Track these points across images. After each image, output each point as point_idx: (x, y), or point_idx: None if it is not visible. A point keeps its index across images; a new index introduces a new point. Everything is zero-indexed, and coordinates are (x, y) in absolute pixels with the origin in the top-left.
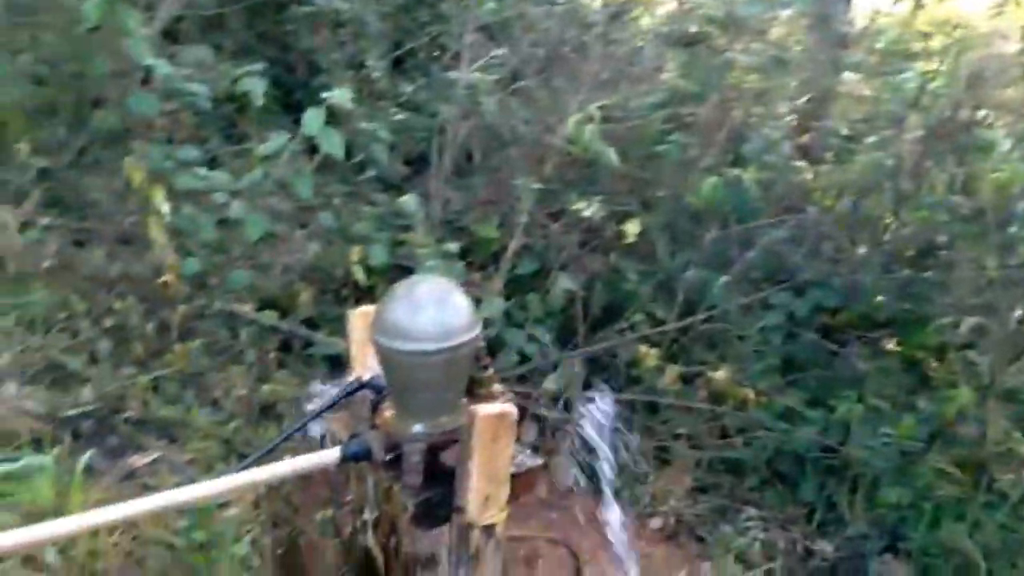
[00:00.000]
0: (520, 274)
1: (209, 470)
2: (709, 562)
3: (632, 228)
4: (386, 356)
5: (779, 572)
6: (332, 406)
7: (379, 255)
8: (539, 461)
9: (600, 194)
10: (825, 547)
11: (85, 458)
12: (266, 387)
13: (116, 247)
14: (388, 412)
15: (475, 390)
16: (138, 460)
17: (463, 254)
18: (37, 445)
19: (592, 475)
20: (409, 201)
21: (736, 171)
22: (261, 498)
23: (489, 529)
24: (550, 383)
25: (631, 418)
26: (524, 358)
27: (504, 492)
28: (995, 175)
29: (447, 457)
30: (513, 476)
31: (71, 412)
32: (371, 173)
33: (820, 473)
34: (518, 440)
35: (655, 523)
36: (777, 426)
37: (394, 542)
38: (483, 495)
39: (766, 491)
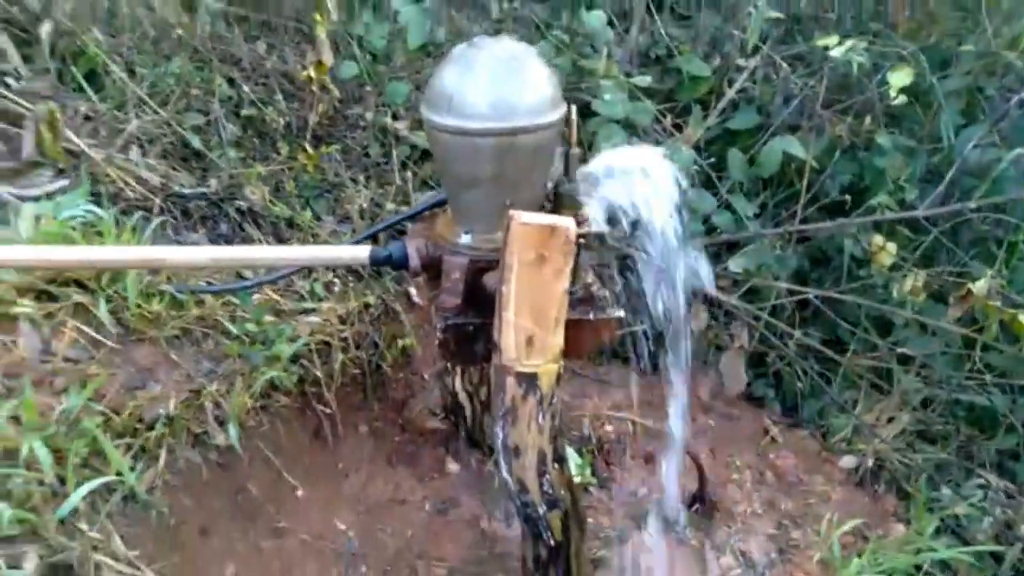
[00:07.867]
0: (732, 129)
1: (308, 277)
2: (905, 524)
3: (899, 80)
4: (429, 134)
5: (1010, 563)
6: (413, 216)
7: None
8: (620, 313)
9: (865, 33)
10: None
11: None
12: (404, 209)
13: (282, 40)
14: (442, 219)
15: (560, 209)
16: None
17: (667, 96)
18: (139, 210)
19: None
20: (595, 17)
21: None
22: (352, 314)
23: (529, 379)
24: (736, 263)
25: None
26: (711, 231)
27: (553, 337)
28: None
29: (491, 281)
30: (578, 322)
31: (186, 190)
32: None
33: None
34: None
35: (847, 461)
36: None
37: (484, 392)
38: (523, 333)
39: (1022, 458)
